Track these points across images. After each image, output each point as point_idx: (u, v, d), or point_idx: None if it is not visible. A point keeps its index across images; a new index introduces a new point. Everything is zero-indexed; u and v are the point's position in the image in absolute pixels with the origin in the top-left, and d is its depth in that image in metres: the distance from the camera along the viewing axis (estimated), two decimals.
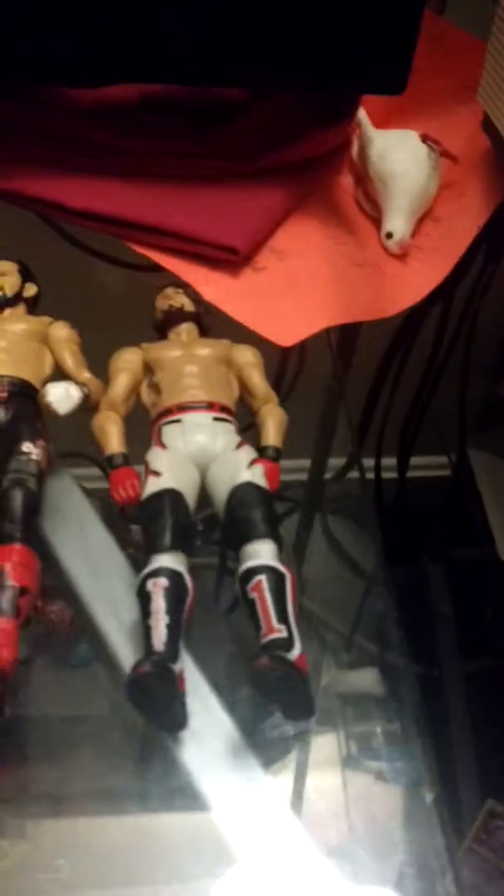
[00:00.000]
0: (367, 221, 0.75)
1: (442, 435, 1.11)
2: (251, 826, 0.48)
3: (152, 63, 0.66)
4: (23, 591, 0.47)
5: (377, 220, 0.74)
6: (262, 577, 0.48)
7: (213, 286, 0.65)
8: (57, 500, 0.56)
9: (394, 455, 1.14)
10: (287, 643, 0.46)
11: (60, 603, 0.57)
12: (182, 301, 0.63)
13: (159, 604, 0.47)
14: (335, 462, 0.89)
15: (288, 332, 0.64)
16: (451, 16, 0.88)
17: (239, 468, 0.53)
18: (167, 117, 0.71)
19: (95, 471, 0.59)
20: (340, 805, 0.56)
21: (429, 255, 0.73)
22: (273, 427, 0.58)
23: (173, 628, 0.46)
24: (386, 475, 1.14)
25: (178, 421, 0.56)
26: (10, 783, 0.54)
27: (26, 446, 0.52)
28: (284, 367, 0.80)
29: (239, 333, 0.63)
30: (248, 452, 0.55)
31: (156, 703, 0.46)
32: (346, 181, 0.78)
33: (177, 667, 0.46)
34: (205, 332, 0.63)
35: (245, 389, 0.60)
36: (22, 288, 0.62)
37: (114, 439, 0.55)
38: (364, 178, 0.76)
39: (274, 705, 0.48)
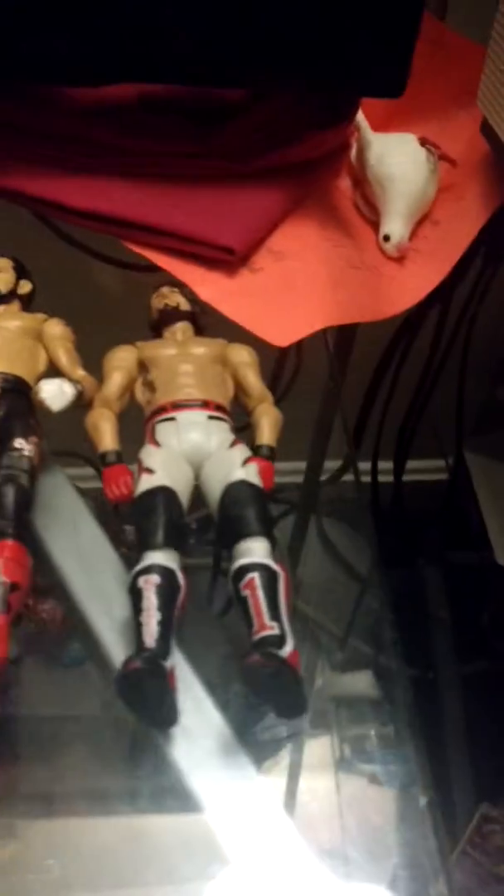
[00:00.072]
0: (365, 224, 0.75)
1: (439, 438, 1.11)
2: (244, 827, 0.48)
3: (152, 63, 0.66)
4: (13, 588, 0.47)
5: (375, 223, 0.74)
6: (255, 575, 0.48)
7: (210, 286, 0.65)
8: (49, 497, 0.56)
9: (391, 458, 1.14)
10: (279, 640, 0.46)
11: (52, 601, 0.57)
12: (178, 300, 0.63)
13: (151, 600, 0.47)
14: (331, 464, 0.89)
15: (284, 332, 0.64)
16: (451, 20, 0.88)
17: (233, 466, 0.53)
18: (166, 117, 0.71)
19: (89, 470, 0.59)
20: (334, 807, 0.56)
21: (427, 258, 0.73)
22: (268, 426, 0.58)
23: (165, 625, 0.46)
24: (383, 478, 1.14)
25: (172, 419, 0.56)
26: (0, 782, 0.53)
27: (19, 442, 0.52)
28: (281, 367, 0.80)
29: (235, 333, 0.63)
30: (242, 451, 0.55)
31: (146, 700, 0.46)
32: (345, 184, 0.78)
33: (168, 663, 0.46)
34: (200, 331, 0.63)
35: (240, 389, 0.60)
36: (16, 285, 0.62)
37: (107, 437, 0.55)
38: (362, 181, 0.76)
39: (266, 705, 0.48)
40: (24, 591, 0.48)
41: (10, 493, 0.50)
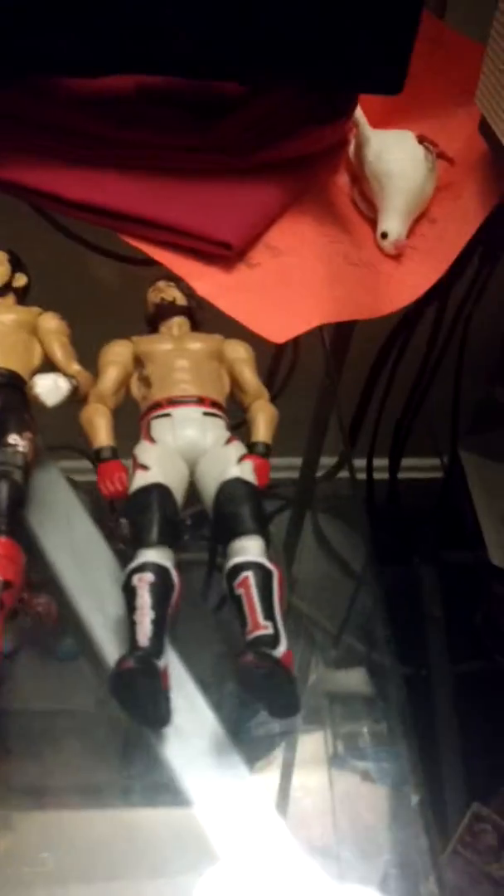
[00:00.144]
0: (363, 221, 0.75)
1: (434, 436, 1.11)
2: (236, 823, 0.48)
3: (152, 60, 0.66)
4: (6, 585, 0.46)
5: (373, 220, 0.74)
6: (249, 574, 0.48)
7: (206, 281, 0.65)
8: (43, 493, 0.56)
9: (386, 455, 1.13)
10: (273, 640, 0.46)
11: (47, 596, 0.57)
12: (174, 295, 0.62)
13: (145, 599, 0.46)
14: (327, 461, 0.89)
15: (280, 328, 0.64)
16: (450, 18, 0.88)
17: (228, 464, 0.53)
18: (164, 109, 0.71)
19: (83, 463, 0.58)
20: (326, 804, 0.56)
21: (424, 256, 0.73)
22: (263, 423, 0.57)
23: (158, 623, 0.46)
24: (378, 476, 1.14)
25: (167, 415, 0.55)
26: None
27: (13, 438, 0.52)
28: (278, 363, 0.80)
29: (231, 328, 0.62)
30: (237, 448, 0.54)
31: (139, 699, 0.46)
32: (343, 180, 0.78)
33: (161, 662, 0.46)
34: (196, 326, 0.62)
35: (236, 385, 0.59)
36: (11, 278, 0.62)
37: (102, 432, 0.55)
38: (360, 178, 0.76)
39: (259, 704, 0.48)
40: (18, 589, 0.47)
41: (3, 490, 0.50)
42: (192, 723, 0.49)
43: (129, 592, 0.47)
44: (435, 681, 1.02)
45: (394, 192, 0.73)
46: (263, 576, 0.48)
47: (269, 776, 0.52)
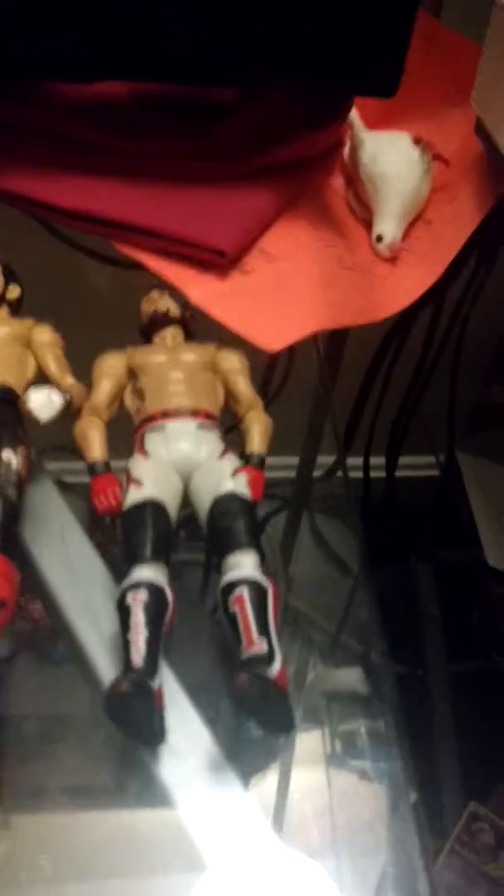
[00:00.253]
0: (358, 224, 0.75)
1: (431, 438, 1.11)
2: (234, 822, 0.48)
3: (148, 61, 0.66)
4: (0, 604, 0.46)
5: (368, 223, 0.74)
6: (244, 591, 0.48)
7: (200, 288, 0.65)
8: (37, 507, 0.56)
9: (383, 454, 1.13)
10: (268, 658, 0.46)
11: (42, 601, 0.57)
12: (167, 305, 0.62)
13: (139, 618, 0.46)
14: (324, 459, 0.89)
15: (275, 336, 0.64)
16: (446, 17, 0.88)
17: (222, 477, 0.53)
18: (158, 115, 0.70)
19: (76, 464, 0.58)
20: (324, 803, 0.56)
21: (419, 259, 0.73)
22: (258, 434, 0.57)
23: (152, 642, 0.46)
24: (375, 474, 1.14)
25: (161, 428, 0.55)
26: None
27: (6, 454, 0.52)
28: (273, 365, 0.80)
29: (226, 339, 0.62)
30: (231, 461, 0.54)
31: (133, 720, 0.46)
32: (337, 182, 0.78)
33: (155, 683, 0.46)
34: (190, 336, 0.62)
35: (230, 395, 0.59)
36: (5, 289, 0.61)
37: (96, 446, 0.55)
38: (355, 180, 0.75)
39: (254, 721, 0.48)
40: (11, 607, 0.47)
41: None
42: (186, 739, 0.49)
43: (123, 611, 0.47)
44: (432, 680, 1.02)
45: (389, 195, 0.72)
46: (258, 592, 0.48)
47: (266, 776, 0.52)
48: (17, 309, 0.61)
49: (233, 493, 0.52)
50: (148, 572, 0.48)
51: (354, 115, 0.75)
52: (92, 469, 0.54)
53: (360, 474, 1.13)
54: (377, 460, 1.12)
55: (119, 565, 0.55)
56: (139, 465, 0.53)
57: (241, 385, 0.59)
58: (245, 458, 0.56)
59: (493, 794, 0.93)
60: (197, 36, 0.64)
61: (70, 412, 0.55)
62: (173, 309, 0.62)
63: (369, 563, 0.69)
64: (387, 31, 0.65)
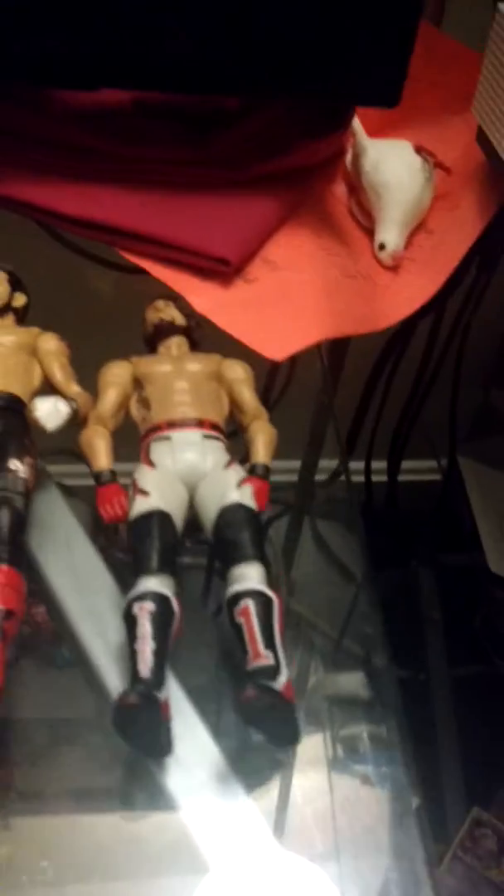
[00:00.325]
0: (360, 232, 0.75)
1: (432, 442, 1.11)
2: (236, 826, 0.48)
3: (148, 71, 0.66)
4: (8, 614, 0.46)
5: (370, 231, 0.74)
6: (250, 603, 0.48)
7: (205, 297, 0.65)
8: (43, 515, 0.56)
9: (384, 458, 1.13)
10: (274, 671, 0.46)
11: (45, 606, 0.57)
12: (172, 314, 0.62)
13: (145, 628, 0.46)
14: (326, 464, 0.89)
15: (279, 345, 0.64)
16: (447, 26, 0.88)
17: (228, 488, 0.53)
18: (161, 123, 0.70)
19: (80, 467, 0.58)
20: (326, 808, 0.56)
21: (421, 267, 0.73)
22: (262, 444, 0.57)
23: (159, 654, 0.46)
24: (376, 478, 1.14)
25: (167, 438, 0.55)
26: None
27: (13, 463, 0.52)
28: (275, 372, 0.80)
29: (230, 347, 0.62)
30: (237, 471, 0.55)
31: (141, 732, 0.46)
32: (340, 190, 0.78)
33: (162, 694, 0.46)
34: (195, 345, 0.62)
35: (235, 405, 0.59)
36: (11, 298, 0.62)
37: (102, 455, 0.55)
38: (357, 188, 0.76)
39: (260, 733, 0.48)
40: (19, 618, 0.47)
41: (4, 517, 0.50)
42: (190, 746, 0.49)
43: (130, 621, 0.47)
44: (434, 684, 1.02)
45: (391, 203, 0.73)
46: (264, 604, 0.48)
47: (268, 780, 0.52)
48: (22, 317, 0.62)
49: (238, 504, 0.52)
50: (154, 583, 0.48)
51: (357, 123, 0.75)
52: (98, 478, 0.54)
53: (361, 478, 1.13)
54: (379, 464, 1.13)
55: (122, 570, 0.56)
56: (145, 476, 0.54)
57: (246, 395, 0.59)
58: (249, 469, 0.56)
59: (495, 799, 0.93)
60: (195, 48, 0.64)
61: (76, 421, 0.56)
62: (178, 318, 0.62)
63: (365, 568, 0.69)
64: (389, 42, 0.65)
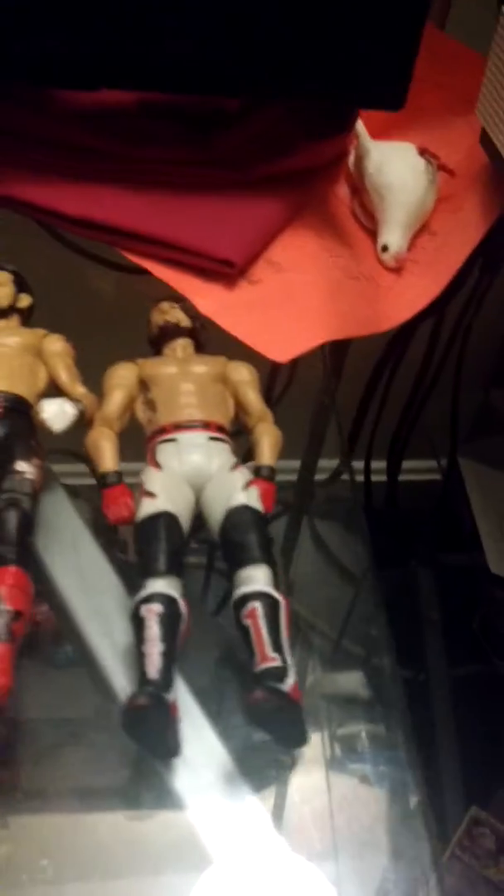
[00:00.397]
0: (364, 233, 0.75)
1: (433, 442, 1.11)
2: (234, 826, 0.48)
3: (151, 75, 0.66)
4: (17, 616, 0.46)
5: (373, 233, 0.74)
6: (257, 605, 0.48)
7: (209, 298, 0.65)
8: (49, 517, 0.56)
9: (384, 458, 1.14)
10: (281, 672, 0.46)
11: (46, 605, 0.57)
12: (178, 316, 0.62)
13: (154, 630, 0.47)
14: (325, 464, 0.89)
15: (284, 347, 0.64)
16: (451, 28, 0.88)
17: (234, 490, 0.53)
18: (164, 124, 0.70)
19: (80, 467, 0.59)
20: (324, 807, 0.56)
21: (425, 269, 0.73)
22: (268, 446, 0.58)
23: (168, 655, 0.46)
24: (376, 478, 1.14)
25: (173, 440, 0.55)
26: None
27: (20, 465, 0.52)
28: (276, 372, 0.80)
29: (234, 349, 0.62)
30: (243, 474, 0.55)
31: (150, 734, 0.46)
32: (343, 191, 0.78)
33: (171, 696, 0.46)
34: (200, 347, 0.63)
35: (240, 407, 0.60)
36: (16, 299, 0.62)
37: (108, 457, 0.55)
38: (360, 190, 0.76)
39: (267, 734, 0.48)
40: (27, 619, 0.48)
41: (12, 518, 0.50)
42: (198, 751, 0.50)
43: (138, 623, 0.48)
44: (433, 684, 1.03)
45: (394, 205, 0.73)
46: (271, 606, 0.48)
47: (266, 780, 0.53)
48: (27, 318, 0.62)
49: (245, 506, 0.52)
50: (162, 585, 0.49)
51: (360, 125, 0.76)
52: (104, 479, 0.54)
53: (361, 478, 1.13)
54: (378, 464, 1.13)
55: (124, 568, 0.56)
56: (152, 477, 0.54)
57: (252, 397, 0.60)
58: (255, 471, 0.56)
59: (494, 798, 0.94)
60: (199, 50, 0.64)
61: (82, 423, 0.56)
62: (184, 320, 0.62)
63: (367, 567, 0.69)
64: (394, 44, 0.65)
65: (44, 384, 0.58)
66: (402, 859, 0.53)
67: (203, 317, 0.63)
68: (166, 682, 0.46)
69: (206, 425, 0.56)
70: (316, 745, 0.59)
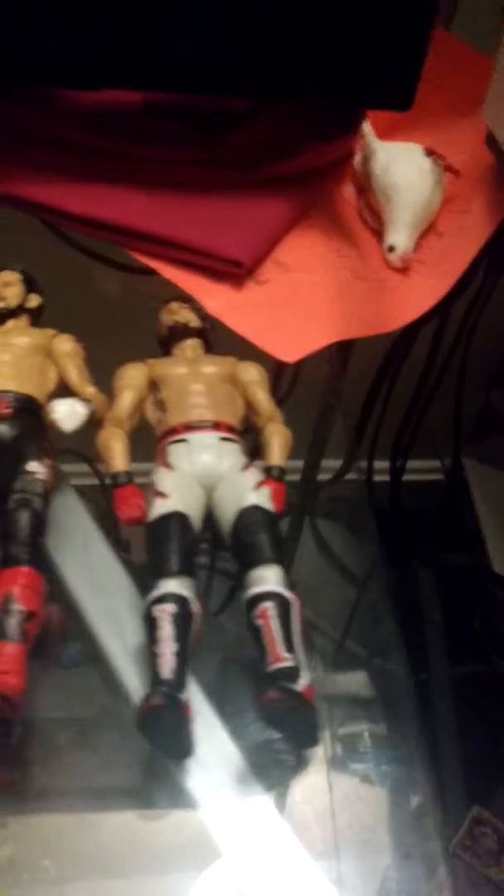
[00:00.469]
0: (370, 234, 0.75)
1: (436, 443, 1.12)
2: (237, 825, 0.48)
3: (157, 75, 0.66)
4: (30, 616, 0.46)
5: (380, 233, 0.74)
6: (269, 605, 0.48)
7: (217, 298, 0.65)
8: (61, 517, 0.56)
9: (387, 457, 1.14)
10: (294, 672, 0.46)
11: (52, 604, 0.57)
12: (187, 317, 0.62)
13: (167, 631, 0.47)
14: (328, 464, 0.89)
15: (291, 347, 0.64)
16: (458, 29, 0.88)
17: (245, 490, 0.53)
18: (171, 124, 0.70)
19: (80, 467, 0.58)
20: (326, 807, 0.56)
21: (431, 269, 0.73)
22: (278, 446, 0.58)
23: (181, 655, 0.46)
24: (378, 478, 1.14)
25: (184, 440, 0.56)
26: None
27: (32, 465, 0.52)
28: (280, 371, 0.80)
29: (244, 349, 0.62)
30: (254, 474, 0.55)
31: (165, 734, 0.46)
32: (349, 191, 0.78)
33: (184, 696, 0.46)
34: (210, 347, 0.63)
35: (250, 407, 0.60)
36: (25, 299, 0.62)
37: (118, 457, 0.55)
38: (367, 190, 0.76)
39: (280, 734, 0.48)
40: (40, 619, 0.48)
41: (24, 519, 0.50)
42: (210, 749, 0.50)
43: (151, 623, 0.48)
44: (434, 684, 1.03)
45: (401, 205, 0.73)
46: (283, 606, 0.49)
47: (271, 780, 0.53)
48: (37, 318, 0.62)
49: (256, 506, 0.53)
50: (174, 585, 0.49)
51: (367, 125, 0.76)
52: (115, 479, 0.54)
53: (364, 477, 1.13)
54: (381, 464, 1.13)
55: (130, 567, 0.56)
56: (163, 478, 0.54)
57: (261, 397, 0.60)
58: (265, 471, 0.56)
59: (495, 798, 0.94)
60: (205, 51, 0.64)
61: (93, 423, 0.56)
62: (193, 321, 0.62)
63: (372, 566, 0.69)
64: (402, 46, 0.65)
65: (54, 384, 0.58)
66: (405, 858, 0.53)
67: (212, 317, 0.63)
68: (180, 681, 0.46)
69: (217, 426, 0.56)
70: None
